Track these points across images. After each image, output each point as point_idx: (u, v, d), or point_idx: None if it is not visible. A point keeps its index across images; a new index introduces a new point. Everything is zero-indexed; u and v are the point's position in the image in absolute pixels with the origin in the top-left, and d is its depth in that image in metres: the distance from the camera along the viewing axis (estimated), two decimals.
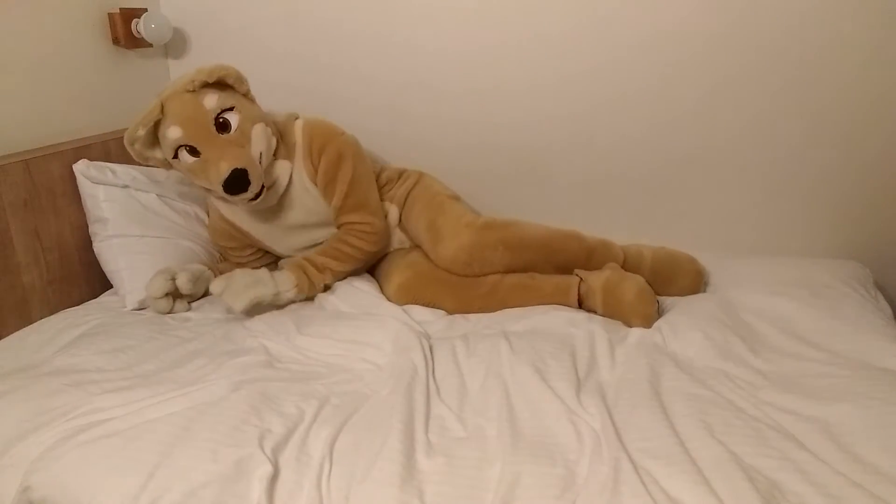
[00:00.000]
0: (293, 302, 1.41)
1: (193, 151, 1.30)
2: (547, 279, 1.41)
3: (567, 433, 0.96)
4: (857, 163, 1.51)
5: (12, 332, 1.33)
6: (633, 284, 1.33)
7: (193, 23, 1.82)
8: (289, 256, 1.55)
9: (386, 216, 1.55)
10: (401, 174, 1.63)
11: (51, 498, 0.91)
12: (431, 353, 1.22)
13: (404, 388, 1.07)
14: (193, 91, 1.30)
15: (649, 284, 1.37)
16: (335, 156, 1.43)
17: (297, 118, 1.50)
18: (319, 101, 1.80)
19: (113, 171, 1.47)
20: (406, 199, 1.58)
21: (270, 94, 1.82)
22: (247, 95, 1.39)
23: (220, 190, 1.29)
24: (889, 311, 1.33)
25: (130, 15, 1.67)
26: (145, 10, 1.69)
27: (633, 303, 1.30)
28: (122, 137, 1.60)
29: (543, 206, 1.75)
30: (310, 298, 1.45)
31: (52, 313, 1.39)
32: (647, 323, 1.29)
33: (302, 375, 1.15)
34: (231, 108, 1.32)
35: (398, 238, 1.58)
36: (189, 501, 0.86)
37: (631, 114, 1.60)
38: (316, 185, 1.46)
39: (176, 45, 1.85)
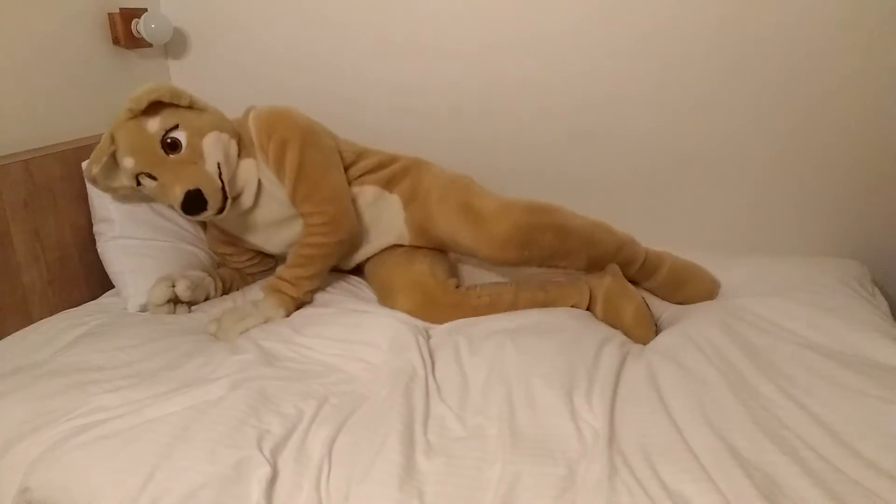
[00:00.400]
0: (290, 314, 1.40)
1: (151, 176, 1.32)
2: (559, 289, 1.39)
3: (568, 432, 0.96)
4: (855, 161, 1.52)
5: (12, 332, 1.33)
6: (631, 304, 1.32)
7: (193, 23, 1.82)
8: (284, 254, 1.54)
9: (355, 200, 1.46)
10: (394, 160, 1.53)
11: (50, 499, 0.91)
12: (430, 352, 1.22)
13: (403, 388, 1.07)
14: (134, 118, 1.30)
15: (661, 289, 1.39)
16: (280, 142, 1.37)
17: (251, 110, 1.46)
18: (320, 100, 1.80)
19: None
20: (417, 192, 1.48)
21: (270, 94, 1.83)
22: (192, 107, 1.34)
23: (180, 212, 1.30)
24: (887, 308, 1.34)
25: (130, 15, 1.67)
26: (145, 10, 1.69)
27: (630, 324, 1.31)
28: None
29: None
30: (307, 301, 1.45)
31: (52, 313, 1.39)
32: (646, 339, 1.29)
33: (300, 374, 1.15)
34: (175, 127, 1.30)
35: (397, 233, 1.51)
36: (188, 503, 0.86)
37: (629, 113, 1.61)
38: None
39: (176, 45, 1.86)
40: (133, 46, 1.71)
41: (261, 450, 0.93)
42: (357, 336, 1.27)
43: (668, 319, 1.36)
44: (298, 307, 1.43)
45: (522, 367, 1.12)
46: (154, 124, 1.29)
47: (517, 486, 0.86)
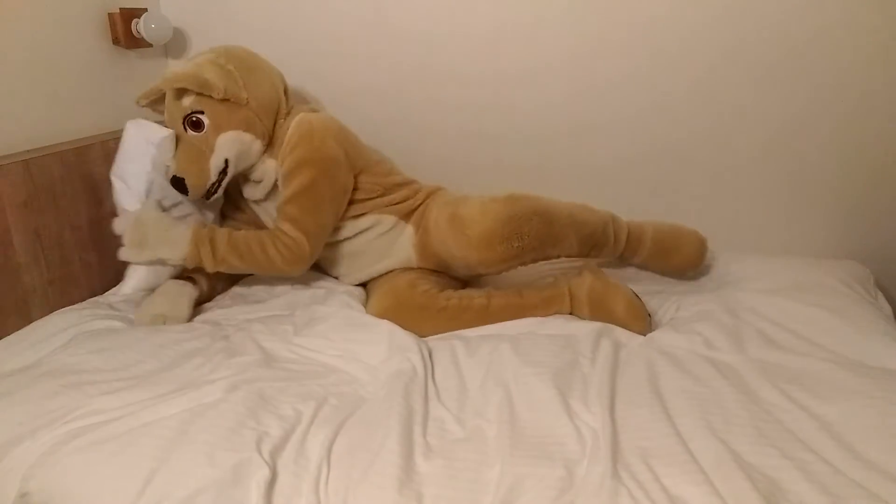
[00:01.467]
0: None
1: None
2: (535, 292, 1.36)
3: (567, 433, 0.96)
4: (857, 162, 1.51)
5: (12, 332, 1.32)
6: (620, 298, 1.29)
7: (193, 23, 1.82)
8: None
9: (372, 228, 1.47)
10: (416, 191, 1.53)
11: None
12: (430, 354, 1.21)
13: (402, 390, 1.06)
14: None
15: (651, 260, 1.38)
16: (299, 160, 1.37)
17: (300, 113, 1.45)
18: (320, 99, 1.80)
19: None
20: (424, 218, 1.48)
21: None
22: (229, 100, 1.35)
23: None
24: (889, 310, 1.33)
25: (130, 15, 1.67)
26: (145, 10, 1.69)
27: (624, 318, 1.28)
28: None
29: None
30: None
31: (51, 311, 1.39)
32: (642, 330, 1.27)
33: (299, 375, 1.15)
34: (201, 112, 1.36)
35: (405, 257, 1.49)
36: None
37: (628, 113, 1.60)
38: None
39: (176, 45, 1.85)
40: (133, 46, 1.71)
41: (259, 452, 0.92)
42: (357, 337, 1.27)
43: (668, 318, 1.35)
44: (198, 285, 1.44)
45: (520, 368, 1.11)
46: (187, 101, 1.36)
47: (516, 488, 0.86)
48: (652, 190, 1.66)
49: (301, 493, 0.88)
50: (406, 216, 1.50)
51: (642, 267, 1.46)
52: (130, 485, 0.89)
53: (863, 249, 1.58)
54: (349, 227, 1.48)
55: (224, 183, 1.42)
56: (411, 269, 1.49)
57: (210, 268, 1.35)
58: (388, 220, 1.49)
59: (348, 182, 1.44)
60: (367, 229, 1.48)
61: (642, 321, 1.28)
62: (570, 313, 1.35)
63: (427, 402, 1.06)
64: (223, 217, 1.62)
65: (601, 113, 1.62)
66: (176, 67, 1.39)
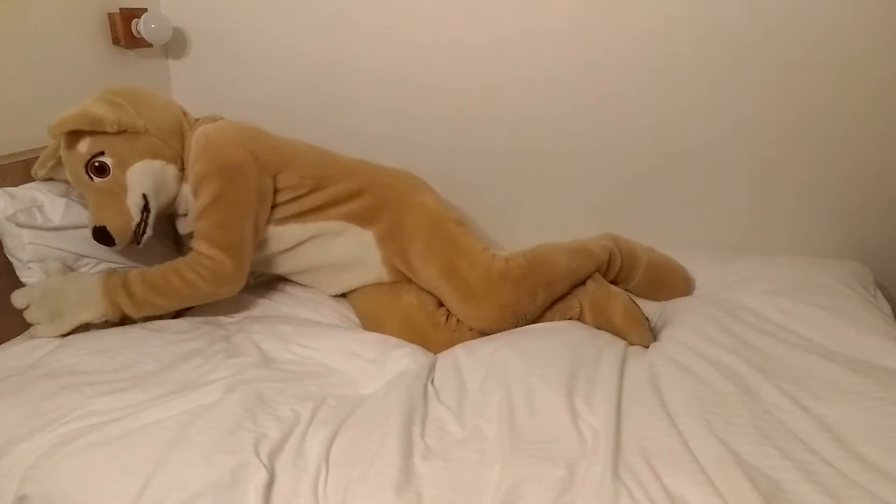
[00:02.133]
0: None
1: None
2: (550, 313, 1.35)
3: (568, 432, 0.96)
4: (856, 161, 1.51)
5: (13, 333, 1.32)
6: (618, 306, 1.29)
7: (193, 23, 1.82)
8: None
9: (317, 237, 1.37)
10: (366, 187, 1.39)
11: None
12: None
13: (401, 390, 1.06)
14: (68, 135, 1.25)
15: (642, 289, 1.39)
16: (200, 174, 1.28)
17: (202, 126, 1.35)
18: (320, 99, 1.80)
19: (41, 209, 1.30)
20: (398, 231, 1.37)
21: (270, 94, 1.83)
22: (126, 131, 1.25)
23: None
24: (889, 310, 1.33)
25: (130, 15, 1.67)
26: (145, 10, 1.69)
27: (622, 324, 1.28)
28: None
29: (542, 205, 1.75)
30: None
31: None
32: (644, 338, 1.27)
33: (297, 376, 1.15)
34: (101, 153, 1.24)
35: (376, 273, 1.41)
36: None
37: (627, 113, 1.60)
38: None
39: (176, 45, 1.85)
40: (133, 46, 1.71)
41: (258, 454, 0.92)
42: (357, 338, 1.26)
43: (667, 320, 1.35)
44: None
45: (521, 368, 1.11)
46: (84, 146, 1.24)
47: (516, 489, 0.85)
48: (653, 191, 1.66)
49: (300, 495, 0.87)
50: (358, 219, 1.38)
51: (631, 292, 1.47)
52: (128, 488, 0.88)
53: (861, 249, 1.58)
54: (289, 235, 1.37)
55: (150, 221, 1.30)
56: (393, 284, 1.41)
57: (135, 314, 1.27)
58: (334, 225, 1.37)
59: (263, 185, 1.32)
60: (314, 237, 1.38)
61: (641, 327, 1.27)
62: (577, 318, 1.36)
63: (427, 402, 1.06)
64: None
65: (603, 116, 1.62)
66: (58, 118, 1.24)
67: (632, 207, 1.70)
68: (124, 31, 1.66)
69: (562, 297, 1.36)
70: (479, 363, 1.15)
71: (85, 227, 1.34)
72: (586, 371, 1.12)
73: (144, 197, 1.28)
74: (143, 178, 1.28)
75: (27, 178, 1.36)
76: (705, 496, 0.81)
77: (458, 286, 1.30)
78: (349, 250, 1.40)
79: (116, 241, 1.26)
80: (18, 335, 1.33)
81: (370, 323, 1.38)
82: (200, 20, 1.81)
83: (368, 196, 1.38)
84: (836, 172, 1.53)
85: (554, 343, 1.20)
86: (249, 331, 1.32)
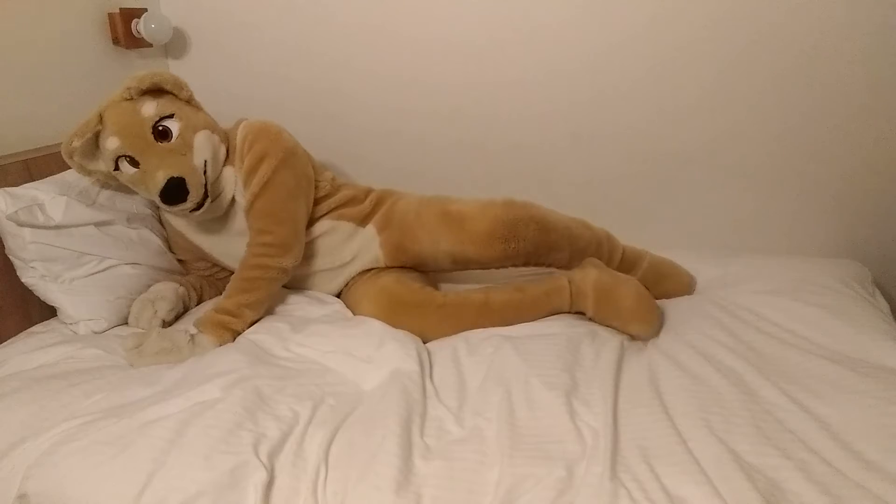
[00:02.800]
0: None
1: (133, 162, 1.28)
2: (535, 286, 1.33)
3: (567, 433, 0.96)
4: (856, 162, 1.51)
5: (13, 333, 1.33)
6: (630, 289, 1.26)
7: (193, 23, 1.82)
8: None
9: (318, 239, 1.44)
10: (368, 193, 1.51)
11: None
12: (429, 354, 1.21)
13: (400, 389, 1.06)
14: (131, 99, 1.28)
15: (646, 281, 1.35)
16: (259, 154, 1.35)
17: (243, 121, 1.45)
18: (320, 99, 1.81)
19: (41, 208, 1.29)
20: (391, 218, 1.45)
21: (270, 94, 1.83)
22: (190, 102, 1.35)
23: (158, 200, 1.28)
24: (888, 309, 1.33)
25: (130, 15, 1.67)
26: (145, 10, 1.69)
27: (633, 308, 1.24)
28: None
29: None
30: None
31: (52, 314, 1.39)
32: (649, 328, 1.24)
33: (296, 374, 1.15)
34: (171, 116, 1.29)
35: (373, 257, 1.45)
36: None
37: (627, 113, 1.60)
38: None
39: (176, 45, 1.85)
40: (133, 46, 1.71)
41: (257, 454, 0.92)
42: (353, 336, 1.26)
43: (667, 320, 1.35)
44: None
45: (521, 367, 1.11)
46: (150, 109, 1.28)
47: (516, 489, 0.85)
48: (652, 191, 1.66)
49: (299, 495, 0.88)
50: (362, 220, 1.47)
51: None
52: (128, 488, 0.88)
53: (860, 248, 1.58)
54: (313, 230, 1.45)
55: (209, 189, 1.34)
56: (382, 268, 1.45)
57: (240, 326, 1.31)
58: (346, 227, 1.46)
59: (311, 173, 1.44)
60: (324, 234, 1.45)
61: (652, 313, 1.25)
62: (571, 307, 1.32)
63: (426, 401, 1.06)
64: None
65: (602, 114, 1.62)
66: (126, 79, 1.28)
67: (631, 207, 1.70)
68: (124, 31, 1.66)
69: (558, 268, 1.39)
70: (480, 362, 1.15)
71: (86, 224, 1.35)
72: (585, 371, 1.12)
73: (205, 164, 1.33)
74: (206, 146, 1.33)
75: (27, 178, 1.36)
76: (705, 496, 0.81)
77: (453, 220, 1.37)
78: (355, 246, 1.46)
79: (189, 196, 1.28)
80: (18, 334, 1.34)
81: (353, 304, 1.42)
82: (200, 20, 1.81)
83: (366, 203, 1.49)
84: (836, 172, 1.53)
85: (556, 343, 1.20)
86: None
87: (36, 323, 1.38)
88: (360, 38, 1.71)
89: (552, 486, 0.85)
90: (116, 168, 1.31)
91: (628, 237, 1.62)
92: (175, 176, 1.25)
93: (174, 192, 1.26)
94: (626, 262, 1.45)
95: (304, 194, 1.40)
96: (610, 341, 1.22)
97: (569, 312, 1.34)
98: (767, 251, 1.62)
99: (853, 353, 1.13)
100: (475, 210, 1.36)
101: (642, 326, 1.24)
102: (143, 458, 0.92)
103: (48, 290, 1.31)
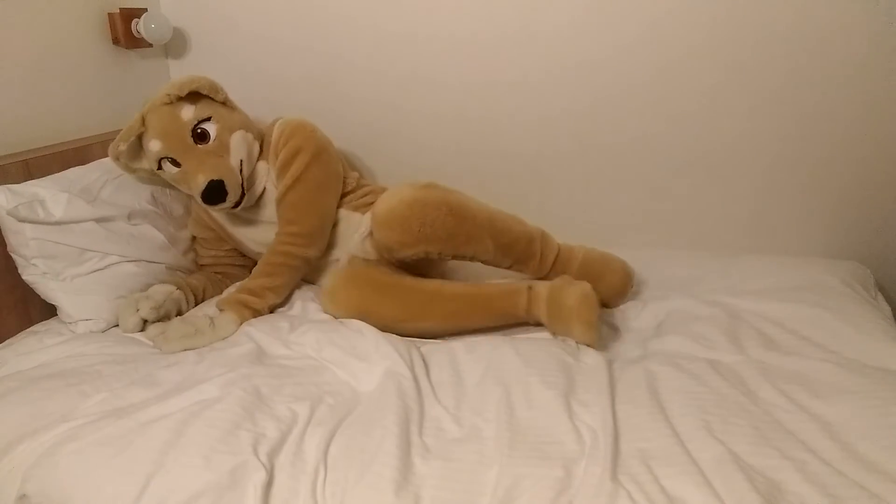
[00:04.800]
0: None
1: (175, 162, 1.37)
2: (493, 285, 1.32)
3: (565, 432, 0.95)
4: (858, 163, 1.51)
5: (12, 332, 1.33)
6: (577, 289, 1.22)
7: (193, 23, 1.82)
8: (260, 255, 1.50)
9: (338, 228, 1.48)
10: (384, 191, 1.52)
11: None
12: (426, 354, 1.21)
13: (399, 388, 1.06)
14: (170, 104, 1.35)
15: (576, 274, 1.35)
16: (293, 149, 1.42)
17: (279, 119, 1.50)
18: (319, 99, 1.80)
19: (42, 204, 1.29)
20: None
21: (270, 93, 1.83)
22: (225, 104, 1.42)
23: (199, 200, 1.36)
24: (889, 311, 1.33)
25: (130, 15, 1.67)
26: (145, 10, 1.69)
27: (574, 307, 1.20)
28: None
29: (542, 206, 1.75)
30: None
31: (52, 313, 1.39)
32: (589, 330, 1.19)
33: (294, 372, 1.15)
34: (208, 119, 1.37)
35: (363, 248, 1.45)
36: None
37: (630, 114, 1.60)
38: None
39: (176, 45, 1.86)
40: (133, 46, 1.71)
41: (256, 454, 0.92)
42: (352, 335, 1.26)
43: (666, 320, 1.35)
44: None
45: (520, 367, 1.11)
46: (188, 112, 1.35)
47: (514, 489, 0.85)
48: (652, 191, 1.66)
49: (298, 495, 0.87)
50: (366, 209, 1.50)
51: None
52: (128, 489, 0.88)
53: (862, 250, 1.57)
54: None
55: (245, 187, 1.41)
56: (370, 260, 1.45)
57: (262, 307, 1.37)
58: (356, 217, 1.49)
59: (340, 170, 1.51)
60: (338, 222, 1.50)
61: (592, 313, 1.19)
62: (527, 312, 1.28)
63: (423, 400, 1.06)
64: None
65: (603, 115, 1.62)
66: (168, 83, 1.37)
67: (632, 207, 1.69)
68: (124, 31, 1.66)
69: (487, 261, 1.35)
70: (478, 360, 1.15)
71: (87, 220, 1.35)
72: (586, 371, 1.12)
73: (241, 163, 1.40)
74: (241, 146, 1.40)
75: (27, 178, 1.36)
76: (704, 497, 0.81)
77: (374, 203, 1.37)
78: (359, 242, 1.46)
79: (228, 196, 1.35)
80: (17, 333, 1.34)
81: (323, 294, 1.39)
82: (200, 20, 1.81)
83: (374, 195, 1.51)
84: (838, 173, 1.53)
85: (554, 343, 1.20)
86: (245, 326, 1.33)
87: (36, 322, 1.38)
88: (361, 37, 1.71)
89: (551, 486, 0.85)
90: (160, 167, 1.40)
91: (629, 237, 1.62)
92: (215, 179, 1.32)
93: (214, 193, 1.33)
94: (559, 263, 1.40)
95: (333, 190, 1.47)
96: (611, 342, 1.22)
97: (526, 323, 1.30)
98: (768, 252, 1.61)
99: (854, 354, 1.12)
100: (387, 193, 1.35)
101: (582, 328, 1.20)
102: (142, 459, 0.92)
103: (48, 288, 1.31)
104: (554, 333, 1.26)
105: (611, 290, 1.39)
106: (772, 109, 1.51)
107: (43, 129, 1.50)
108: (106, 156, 1.46)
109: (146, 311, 1.34)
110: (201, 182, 1.32)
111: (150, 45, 1.74)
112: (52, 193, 1.31)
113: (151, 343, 1.28)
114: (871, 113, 1.45)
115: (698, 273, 1.50)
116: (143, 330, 1.34)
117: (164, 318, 1.37)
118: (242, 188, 1.39)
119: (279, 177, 1.44)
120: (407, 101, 1.75)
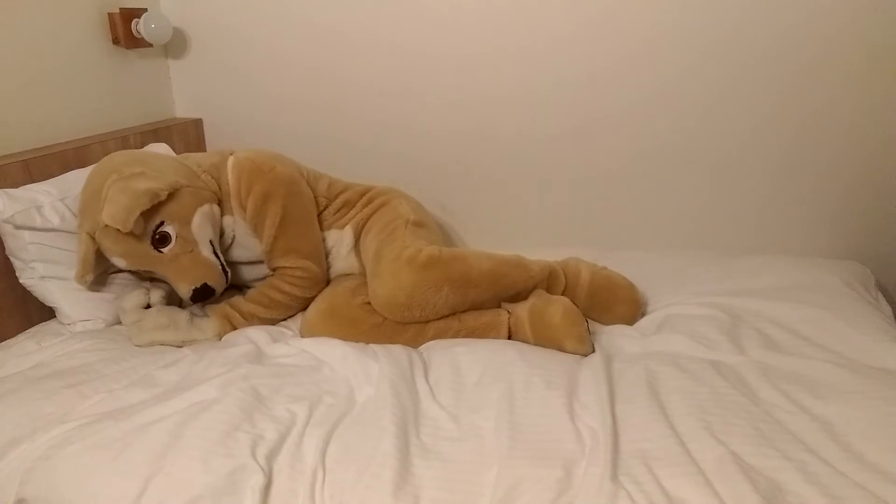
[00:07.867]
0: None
1: (147, 270, 1.30)
2: (474, 317, 1.29)
3: (565, 432, 0.95)
4: (859, 164, 1.51)
5: (12, 333, 1.33)
6: (558, 307, 1.22)
7: (193, 23, 1.82)
8: (243, 286, 1.50)
9: (328, 254, 1.45)
10: (364, 194, 1.51)
11: None
12: (425, 354, 1.21)
13: (397, 388, 1.06)
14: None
15: (586, 310, 1.32)
16: (261, 196, 1.34)
17: (230, 155, 1.41)
18: (319, 99, 1.80)
19: (40, 211, 1.28)
20: (366, 223, 1.46)
21: (270, 93, 1.83)
22: (173, 195, 1.25)
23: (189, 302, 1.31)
24: (889, 311, 1.33)
25: (130, 15, 1.67)
26: (145, 10, 1.69)
27: (561, 325, 1.20)
28: (122, 138, 1.62)
29: (541, 213, 1.75)
30: None
31: (51, 315, 1.39)
32: (581, 343, 1.20)
33: (293, 372, 1.15)
34: (161, 224, 1.24)
35: (347, 264, 1.46)
36: None
37: (633, 115, 1.60)
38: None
39: (176, 45, 1.85)
40: (133, 46, 1.71)
41: (255, 457, 0.92)
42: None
43: (666, 321, 1.34)
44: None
45: (521, 366, 1.11)
46: (139, 227, 1.20)
47: (514, 490, 0.85)
48: (653, 191, 1.66)
49: (297, 497, 0.87)
50: (351, 225, 1.48)
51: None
52: (126, 492, 0.88)
53: (864, 250, 1.57)
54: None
55: (223, 261, 1.35)
56: (354, 275, 1.46)
57: (243, 327, 1.35)
58: (349, 234, 1.46)
59: (311, 193, 1.44)
60: (333, 245, 1.47)
61: (579, 326, 1.20)
62: (511, 336, 1.28)
63: (420, 400, 1.06)
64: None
65: (604, 115, 1.62)
66: (103, 214, 1.17)
67: (633, 209, 1.69)
68: (124, 31, 1.66)
69: (492, 309, 1.31)
70: (478, 359, 1.15)
71: None
72: (586, 372, 1.12)
73: (211, 243, 1.32)
74: (204, 227, 1.30)
75: (27, 179, 1.36)
76: (705, 498, 0.81)
77: (374, 272, 1.30)
78: (343, 258, 1.47)
79: (216, 290, 1.31)
80: (17, 334, 1.33)
81: (303, 325, 1.37)
82: (200, 20, 1.81)
83: (359, 205, 1.49)
84: (839, 174, 1.53)
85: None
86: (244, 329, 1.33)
87: (36, 323, 1.38)
88: (361, 37, 1.71)
89: (551, 486, 0.85)
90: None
91: (629, 237, 1.61)
92: (198, 286, 1.27)
93: (201, 296, 1.29)
94: (567, 295, 1.35)
95: (314, 217, 1.43)
96: (610, 342, 1.22)
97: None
98: (769, 252, 1.61)
99: (854, 355, 1.12)
100: (388, 267, 1.27)
101: (572, 342, 1.20)
102: (140, 462, 0.92)
103: (46, 291, 1.31)
104: (543, 345, 1.24)
105: (618, 320, 1.35)
106: (774, 112, 1.51)
107: (43, 130, 1.50)
108: (106, 154, 1.46)
109: (157, 298, 1.35)
110: (185, 291, 1.27)
111: (150, 45, 1.74)
112: (50, 200, 1.31)
113: (126, 326, 1.27)
114: (872, 114, 1.45)
115: (699, 273, 1.50)
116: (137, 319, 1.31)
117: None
118: (224, 270, 1.33)
119: (256, 228, 1.37)
120: (407, 102, 1.74)
